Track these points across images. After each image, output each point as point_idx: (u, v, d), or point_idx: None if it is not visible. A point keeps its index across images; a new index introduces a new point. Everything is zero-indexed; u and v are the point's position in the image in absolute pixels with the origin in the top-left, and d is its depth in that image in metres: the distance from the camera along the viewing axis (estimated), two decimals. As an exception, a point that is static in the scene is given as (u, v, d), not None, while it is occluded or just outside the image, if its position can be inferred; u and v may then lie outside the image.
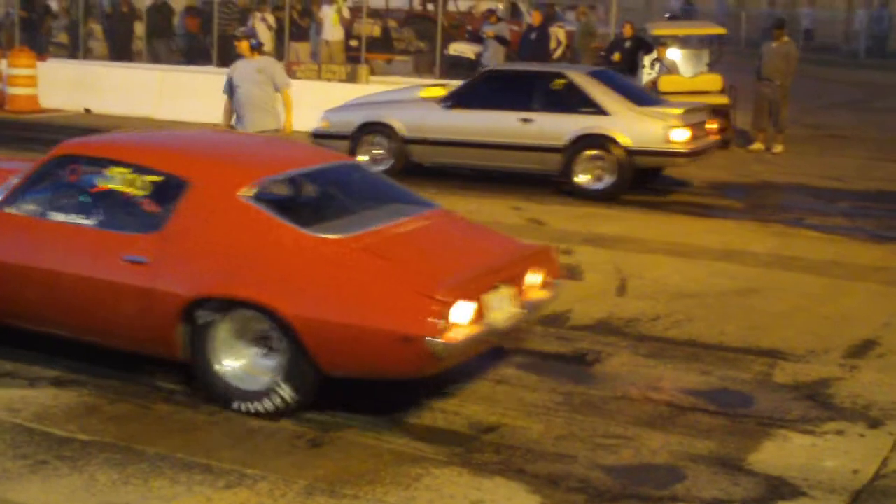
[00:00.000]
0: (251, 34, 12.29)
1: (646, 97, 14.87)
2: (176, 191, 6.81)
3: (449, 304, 6.16)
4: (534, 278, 7.18)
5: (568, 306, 8.91)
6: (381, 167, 14.26)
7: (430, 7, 27.78)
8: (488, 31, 22.57)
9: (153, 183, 6.90)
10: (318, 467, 5.84)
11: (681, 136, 13.72)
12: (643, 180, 14.53)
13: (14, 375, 6.98)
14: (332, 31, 25.01)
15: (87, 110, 21.77)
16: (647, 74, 20.19)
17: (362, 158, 14.53)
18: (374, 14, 27.18)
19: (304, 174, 7.59)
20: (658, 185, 15.06)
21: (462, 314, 6.27)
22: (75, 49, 27.32)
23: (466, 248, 7.25)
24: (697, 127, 14.15)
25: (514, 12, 28.40)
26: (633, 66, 20.37)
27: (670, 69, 19.57)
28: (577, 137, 13.86)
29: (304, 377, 6.40)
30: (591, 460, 6.02)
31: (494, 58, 21.62)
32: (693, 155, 14.02)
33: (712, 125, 14.86)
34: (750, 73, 19.29)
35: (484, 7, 26.54)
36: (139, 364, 7.20)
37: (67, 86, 22.53)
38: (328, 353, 6.31)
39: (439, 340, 6.09)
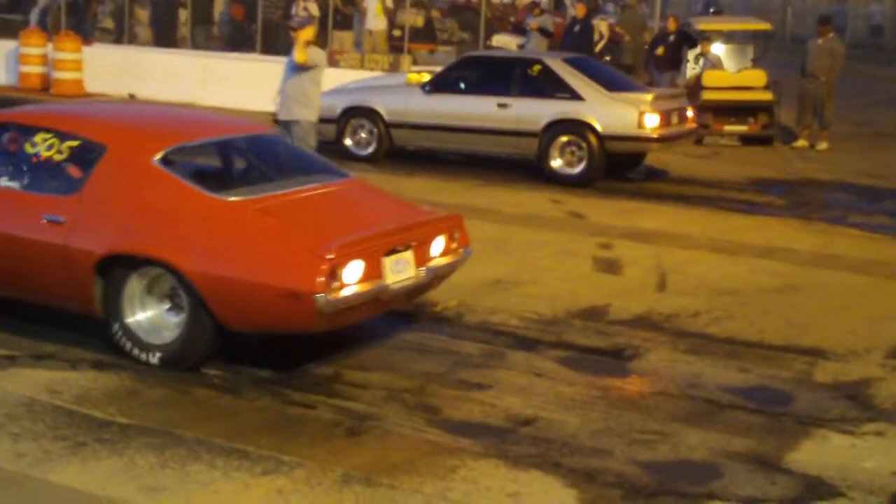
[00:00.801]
0: (307, 22, 12.22)
1: (621, 83, 14.95)
2: (94, 155, 7.28)
3: (337, 263, 6.58)
4: (439, 244, 7.54)
5: (607, 301, 8.90)
6: (366, 151, 15.27)
7: (473, -2, 27.69)
8: (532, 22, 22.49)
9: (74, 148, 7.39)
10: (354, 456, 5.86)
11: (652, 122, 13.86)
12: (621, 168, 14.77)
13: (56, 357, 7.05)
14: (376, 20, 24.98)
15: (132, 95, 21.89)
16: (691, 69, 20.11)
17: (348, 142, 15.32)
18: (418, 4, 27.12)
19: (218, 142, 8.02)
20: (700, 179, 15.02)
21: (352, 273, 6.70)
22: (120, 34, 27.46)
23: (367, 213, 7.60)
24: (671, 113, 14.33)
25: (558, 4, 28.29)
26: (677, 61, 20.27)
27: (714, 64, 19.47)
28: (551, 122, 14.13)
29: (205, 332, 6.83)
30: (627, 455, 6.00)
31: (537, 50, 21.55)
32: (664, 141, 14.23)
33: (690, 112, 15.06)
34: (795, 70, 19.14)
35: (527, -1, 26.43)
36: (179, 349, 7.27)
37: (112, 71, 22.66)
38: (226, 308, 6.74)
39: (326, 296, 6.48)
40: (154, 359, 6.95)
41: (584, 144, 14.01)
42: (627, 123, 13.90)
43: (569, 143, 14.12)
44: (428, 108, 14.88)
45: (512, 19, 26.42)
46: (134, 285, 6.99)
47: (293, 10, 25.39)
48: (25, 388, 6.52)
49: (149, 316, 7.06)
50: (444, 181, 14.12)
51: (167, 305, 7.04)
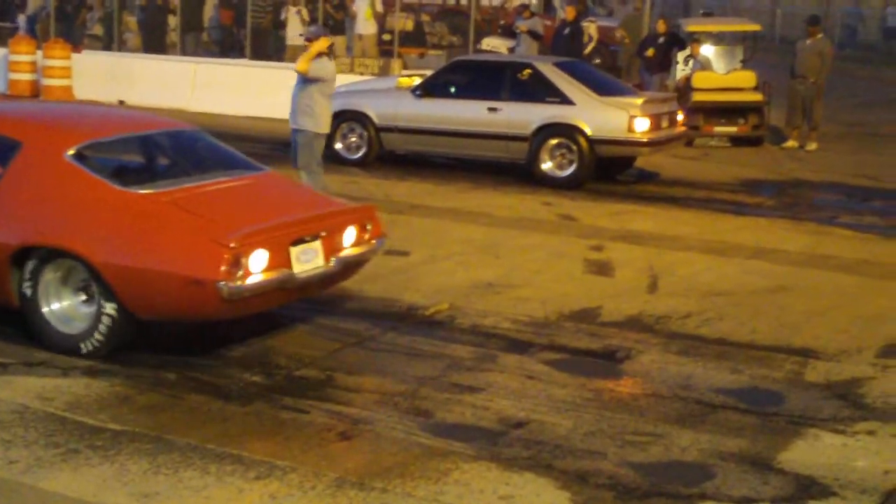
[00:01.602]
0: (320, 33, 12.09)
1: (611, 87, 14.98)
2: (10, 151, 7.53)
3: (240, 252, 6.79)
4: (350, 235, 7.74)
5: (599, 303, 8.91)
6: (357, 155, 15.27)
7: (462, 1, 27.76)
8: (521, 25, 22.51)
9: None
10: (347, 460, 5.86)
11: (642, 126, 13.90)
12: (612, 170, 14.82)
13: (48, 364, 7.04)
14: (365, 24, 25.01)
15: (122, 102, 21.87)
16: (680, 71, 20.14)
17: (338, 146, 15.27)
18: (408, 8, 27.20)
19: (133, 138, 8.24)
20: (690, 181, 15.05)
21: (257, 262, 6.91)
22: (110, 41, 27.44)
23: (276, 205, 7.79)
24: (661, 117, 14.39)
25: (548, 7, 28.34)
26: (666, 63, 20.30)
27: (704, 66, 19.50)
28: (542, 126, 14.14)
29: (116, 321, 7.02)
30: (620, 457, 6.00)
31: (528, 53, 21.58)
32: (654, 145, 14.27)
33: (680, 116, 15.10)
34: (784, 71, 19.18)
35: (517, 2, 26.48)
36: (170, 355, 7.26)
37: (102, 77, 22.62)
38: (134, 298, 6.95)
39: (228, 284, 6.69)
40: (67, 348, 7.14)
41: (574, 148, 14.04)
42: (617, 127, 13.92)
43: (559, 147, 14.14)
44: (418, 111, 14.87)
45: (502, 22, 26.47)
46: (49, 276, 7.19)
47: (282, 16, 25.46)
48: (17, 395, 6.51)
49: (63, 306, 7.25)
50: (435, 185, 14.13)
51: (81, 297, 7.23)
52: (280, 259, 7.11)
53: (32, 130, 7.79)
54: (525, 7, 23.95)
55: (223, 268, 6.73)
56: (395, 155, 15.52)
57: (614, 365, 7.57)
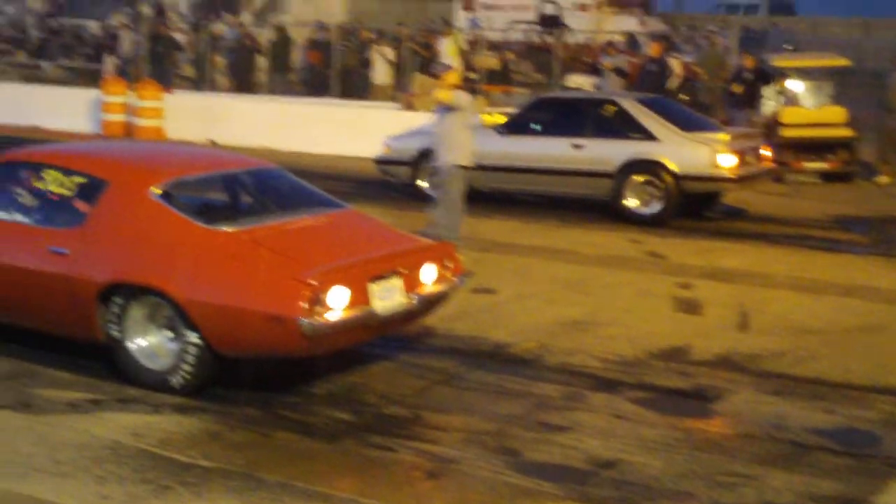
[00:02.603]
0: (450, 67, 12.21)
1: (695, 123, 14.86)
2: (97, 190, 7.68)
3: (320, 289, 6.84)
4: (429, 272, 7.74)
5: (688, 341, 8.81)
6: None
7: (548, 39, 27.79)
8: (607, 62, 22.50)
9: (79, 184, 7.79)
10: (434, 499, 5.85)
11: (728, 162, 13.78)
12: (698, 207, 14.68)
13: (139, 401, 7.12)
14: (450, 63, 25.16)
15: (212, 141, 22.19)
16: (768, 106, 19.92)
17: (422, 184, 15.22)
18: (493, 46, 27.28)
19: (217, 176, 8.39)
20: (780, 217, 14.86)
21: (337, 299, 6.95)
22: (200, 81, 27.96)
23: (356, 242, 7.88)
24: (747, 153, 14.24)
25: (633, 44, 28.28)
26: (754, 98, 20.11)
27: (792, 101, 19.28)
28: (626, 163, 14.06)
29: (200, 358, 7.09)
30: (711, 498, 5.91)
31: (613, 90, 21.52)
32: (741, 181, 14.13)
33: (766, 151, 14.91)
34: (874, 105, 18.89)
35: (602, 39, 26.47)
36: (259, 392, 7.32)
37: (192, 117, 22.99)
38: (218, 334, 7.03)
39: (309, 321, 6.74)
40: (151, 383, 7.25)
41: (659, 184, 13.96)
42: (702, 163, 13.83)
43: (644, 184, 14.07)
44: (502, 149, 14.86)
45: (587, 60, 26.42)
46: (135, 313, 7.31)
47: (368, 55, 25.72)
48: (110, 431, 6.60)
49: (149, 342, 7.35)
50: (521, 222, 14.10)
51: (167, 333, 7.31)
52: (360, 296, 7.14)
53: (118, 170, 7.93)
54: (611, 44, 23.93)
55: (303, 305, 6.78)
56: (480, 193, 15.51)
57: (704, 404, 7.47)
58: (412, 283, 7.60)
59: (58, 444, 6.36)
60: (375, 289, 7.28)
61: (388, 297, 7.37)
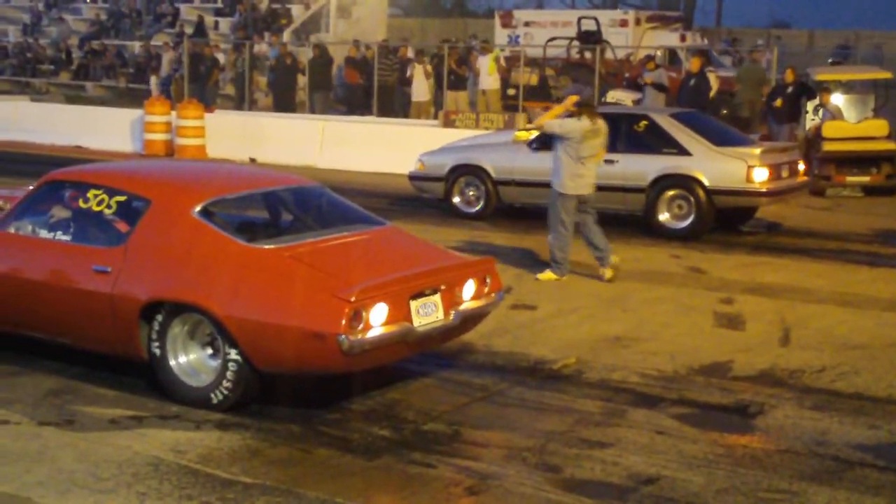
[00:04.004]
0: (571, 92, 11.94)
1: (728, 137, 14.79)
2: (139, 209, 7.77)
3: (360, 306, 6.87)
4: (469, 289, 7.78)
5: (729, 356, 8.75)
6: (474, 209, 15.45)
7: (587, 55, 27.79)
8: (647, 77, 22.48)
9: (121, 203, 7.89)
10: (475, 515, 5.83)
11: (761, 176, 13.73)
12: (733, 221, 14.65)
13: (181, 418, 7.17)
14: (488, 80, 25.24)
15: (252, 160, 22.35)
16: (810, 120, 19.82)
17: (456, 200, 15.52)
18: (532, 63, 27.32)
19: (258, 194, 8.45)
20: (822, 232, 14.75)
21: (377, 316, 6.98)
22: (241, 101, 28.16)
23: (396, 258, 7.90)
24: (781, 167, 14.16)
25: (673, 59, 28.23)
26: (795, 113, 20.01)
27: (834, 115, 19.16)
28: (658, 177, 14.08)
29: (240, 374, 7.12)
30: (754, 515, 5.86)
31: (653, 105, 21.48)
32: (773, 195, 14.05)
33: (801, 165, 14.84)
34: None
35: (642, 54, 26.44)
36: (299, 409, 7.34)
37: (233, 136, 23.17)
38: (258, 351, 7.05)
39: (349, 337, 6.76)
40: (192, 400, 7.31)
41: (691, 199, 13.92)
42: (735, 177, 13.76)
43: (676, 198, 14.04)
44: (535, 165, 14.85)
45: (626, 75, 26.40)
46: (176, 330, 7.35)
47: (408, 73, 25.82)
48: (152, 447, 6.64)
49: (190, 359, 7.41)
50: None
51: (208, 350, 7.38)
52: (400, 313, 7.16)
53: (161, 189, 7.97)
54: (650, 59, 23.89)
55: (343, 321, 6.80)
56: (518, 209, 15.52)
57: (746, 420, 7.42)
58: (452, 300, 7.62)
59: (100, 460, 6.41)
60: (415, 305, 7.30)
61: (427, 313, 7.39)
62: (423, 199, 16.44)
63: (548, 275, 11.48)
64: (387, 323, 7.06)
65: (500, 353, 8.80)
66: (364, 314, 6.91)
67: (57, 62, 37.53)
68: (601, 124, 11.41)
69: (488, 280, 7.98)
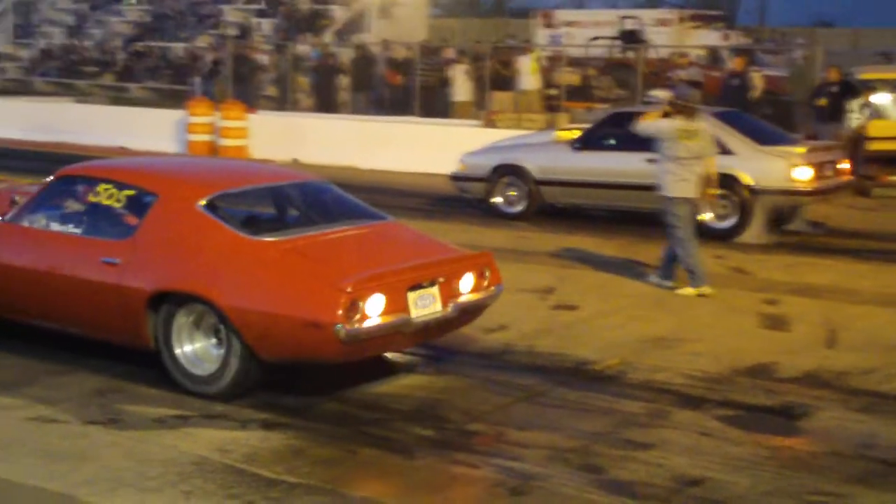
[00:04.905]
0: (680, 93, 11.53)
1: (771, 136, 14.67)
2: (147, 202, 7.98)
3: (357, 296, 7.02)
4: (467, 281, 7.90)
5: (774, 358, 8.69)
6: (516, 209, 15.41)
7: (629, 54, 27.69)
8: (682, 75, 22.37)
9: (129, 197, 8.11)
10: (519, 516, 5.82)
11: (804, 175, 13.60)
12: (778, 222, 14.46)
13: (226, 417, 7.20)
14: (529, 80, 25.18)
15: (295, 160, 22.43)
16: (854, 119, 19.63)
17: (497, 200, 15.51)
18: (573, 63, 27.25)
19: (261, 189, 8.61)
20: (868, 232, 14.62)
21: (374, 306, 7.14)
22: (283, 101, 28.26)
23: (395, 251, 8.02)
24: (825, 166, 14.03)
25: (715, 59, 28.07)
26: (839, 112, 19.83)
27: (879, 114, 18.97)
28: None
29: (242, 363, 7.32)
30: (800, 518, 5.82)
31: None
32: (817, 194, 13.92)
33: (845, 164, 14.69)
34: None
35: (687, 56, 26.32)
36: (343, 408, 7.36)
37: (276, 137, 23.28)
38: (258, 340, 7.24)
39: (345, 327, 6.92)
40: (197, 388, 7.51)
41: (734, 198, 13.81)
42: (779, 176, 13.66)
43: (718, 197, 13.93)
44: (576, 164, 14.86)
45: (669, 74, 26.28)
46: (181, 320, 7.55)
47: (449, 74, 25.82)
48: (197, 447, 6.67)
49: (195, 348, 7.60)
50: (604, 238, 14.02)
51: (212, 339, 7.55)
52: (397, 304, 7.31)
53: (167, 183, 8.20)
54: (683, 56, 23.81)
55: (340, 311, 6.96)
56: (560, 209, 15.49)
57: (792, 422, 7.36)
58: (450, 292, 7.75)
59: (145, 459, 6.45)
60: (412, 297, 7.44)
61: (425, 305, 7.54)
62: (464, 199, 16.44)
63: (687, 290, 10.94)
64: (384, 313, 7.22)
65: (543, 353, 8.79)
66: (361, 304, 7.07)
67: (101, 64, 37.83)
68: (699, 126, 10.96)
69: (487, 273, 8.09)
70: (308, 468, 6.40)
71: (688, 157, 10.87)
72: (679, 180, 10.92)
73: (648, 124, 11.23)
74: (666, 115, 11.07)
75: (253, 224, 8.14)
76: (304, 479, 6.23)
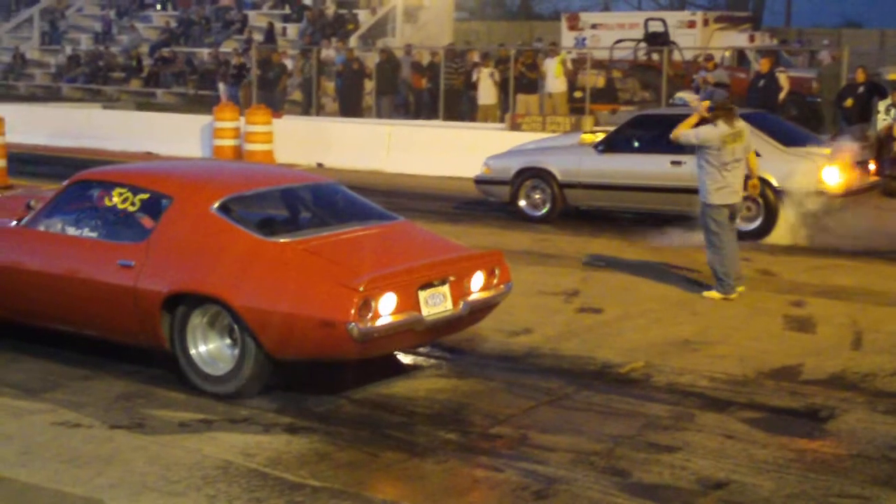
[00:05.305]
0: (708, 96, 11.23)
1: (798, 138, 14.60)
2: (161, 206, 8.08)
3: (369, 295, 7.14)
4: (478, 280, 8.02)
5: (800, 360, 8.65)
6: (540, 212, 15.37)
7: (654, 57, 27.63)
8: (708, 77, 22.28)
9: (144, 200, 8.19)
10: (542, 519, 5.81)
11: (831, 176, 13.55)
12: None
13: (250, 421, 7.23)
14: (555, 83, 25.18)
15: (320, 165, 22.48)
16: (881, 120, 19.52)
17: (521, 203, 15.47)
18: (598, 65, 27.21)
19: (274, 191, 8.69)
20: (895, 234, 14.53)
21: (386, 305, 7.25)
22: (309, 106, 28.35)
23: (406, 250, 8.10)
24: (851, 167, 13.97)
25: (741, 60, 27.97)
26: (866, 113, 19.73)
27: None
28: None
29: (256, 363, 7.43)
30: (825, 520, 5.79)
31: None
32: (845, 195, 13.81)
33: (871, 165, 14.65)
34: None
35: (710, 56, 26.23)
36: (367, 413, 7.37)
37: (301, 141, 23.32)
38: (272, 339, 7.34)
39: (358, 326, 7.03)
40: (211, 388, 7.62)
41: (759, 200, 13.72)
42: (805, 178, 13.60)
43: (744, 199, 13.86)
44: (601, 167, 14.84)
45: (694, 77, 26.20)
46: (196, 321, 7.64)
47: (474, 77, 25.82)
48: (221, 450, 6.70)
49: (210, 349, 7.71)
50: (628, 241, 14.01)
51: (227, 340, 7.67)
52: (408, 302, 7.42)
53: (181, 186, 8.28)
54: (710, 58, 23.72)
55: (352, 310, 7.07)
56: (585, 211, 15.47)
57: (817, 424, 7.32)
58: (461, 291, 7.86)
59: (170, 463, 6.48)
60: (423, 295, 7.55)
61: (436, 303, 7.65)
62: (488, 202, 16.44)
63: (713, 294, 10.82)
64: (396, 312, 7.33)
65: (567, 356, 8.77)
66: (373, 303, 7.18)
67: (128, 70, 38.07)
68: (741, 126, 10.77)
69: (497, 272, 8.19)
70: (332, 472, 6.41)
71: (731, 161, 10.69)
72: (721, 187, 10.70)
73: (689, 133, 10.88)
74: (702, 120, 10.83)
75: (265, 225, 8.23)
76: (327, 482, 6.24)
